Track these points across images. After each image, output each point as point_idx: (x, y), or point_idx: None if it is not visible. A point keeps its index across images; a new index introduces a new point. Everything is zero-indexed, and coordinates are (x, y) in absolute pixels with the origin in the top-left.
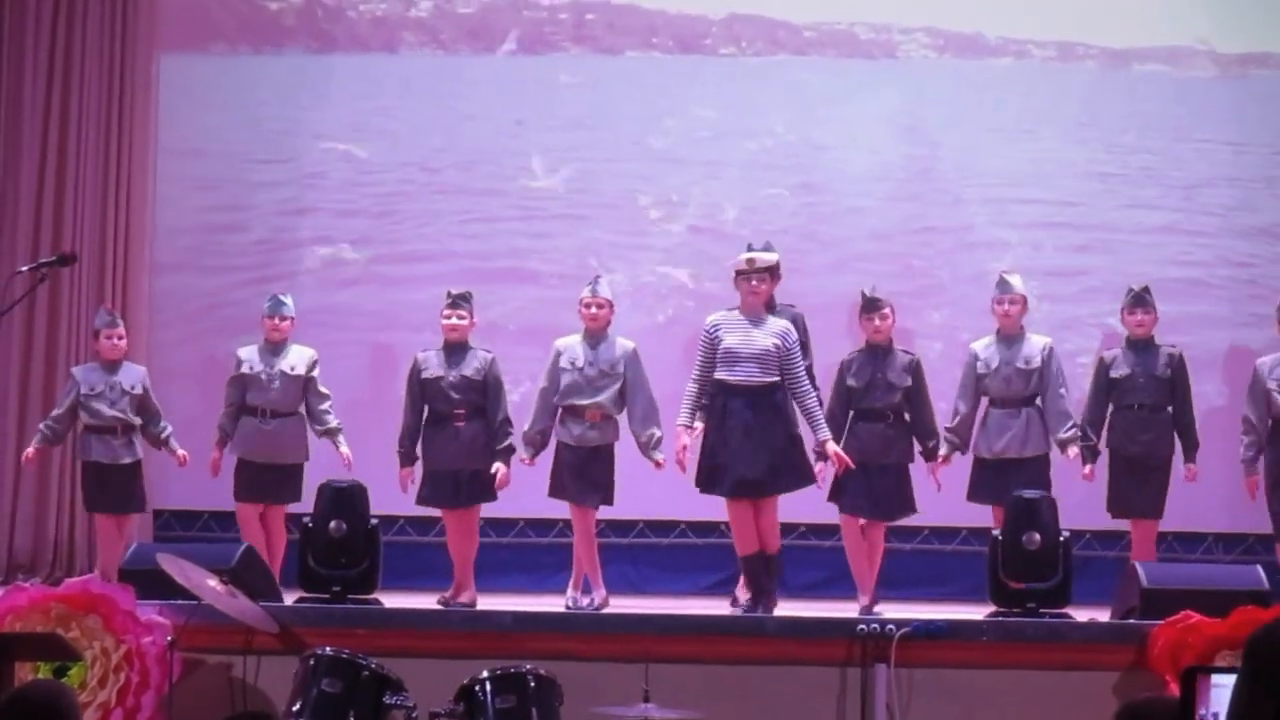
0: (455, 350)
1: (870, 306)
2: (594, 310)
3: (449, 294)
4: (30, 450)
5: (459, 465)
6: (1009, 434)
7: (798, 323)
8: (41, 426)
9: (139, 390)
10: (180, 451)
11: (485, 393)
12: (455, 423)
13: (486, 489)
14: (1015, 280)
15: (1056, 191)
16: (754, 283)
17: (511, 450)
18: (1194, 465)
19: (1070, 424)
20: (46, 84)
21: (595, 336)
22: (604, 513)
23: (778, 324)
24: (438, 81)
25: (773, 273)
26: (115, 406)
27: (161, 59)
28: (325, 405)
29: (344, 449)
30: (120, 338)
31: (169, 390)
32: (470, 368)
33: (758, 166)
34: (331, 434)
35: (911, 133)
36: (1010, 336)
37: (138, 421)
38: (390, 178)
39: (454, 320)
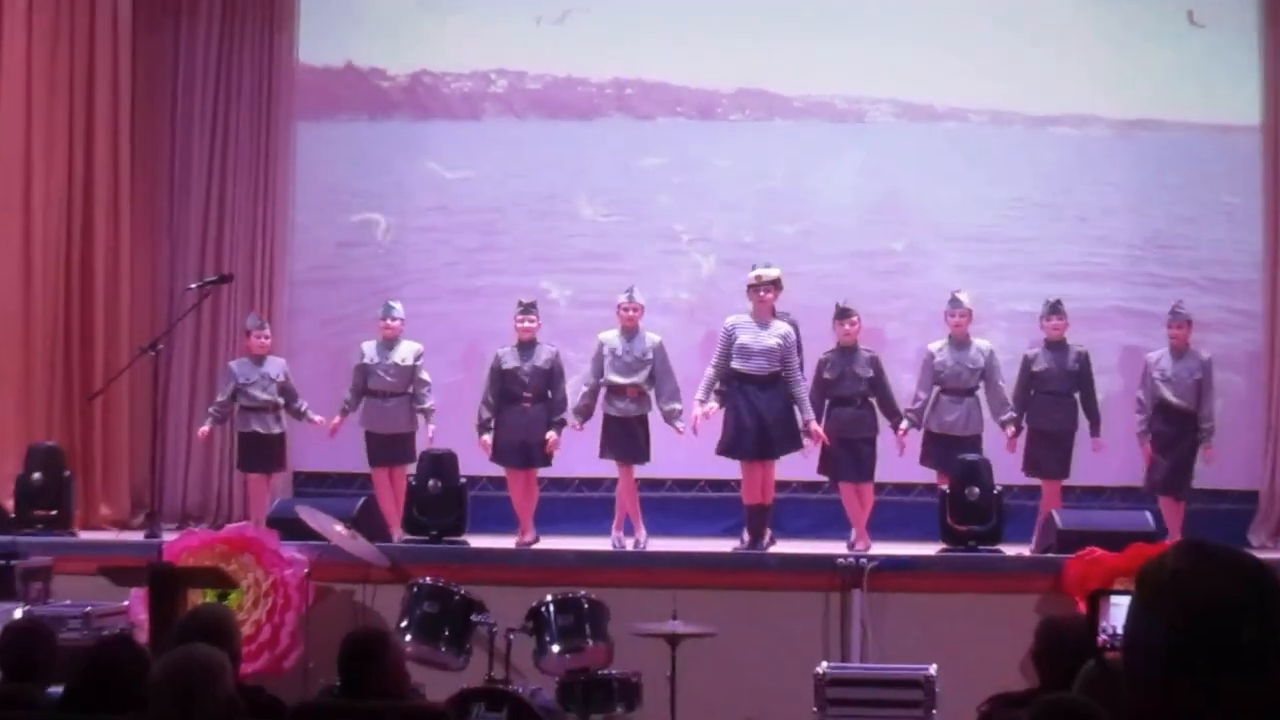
0: (527, 346)
1: (842, 315)
2: (630, 312)
3: (520, 303)
4: (205, 429)
5: (528, 436)
6: (955, 415)
7: (794, 328)
8: (210, 410)
9: (282, 378)
10: (317, 418)
11: (550, 378)
12: (524, 403)
13: (547, 455)
14: (964, 297)
15: (986, 220)
16: (762, 293)
17: (564, 423)
18: (1100, 439)
19: (1009, 410)
20: (210, 143)
21: (629, 332)
22: (640, 472)
23: (781, 327)
24: (513, 141)
25: (777, 284)
26: (266, 391)
27: (299, 124)
28: (424, 390)
29: (431, 427)
30: (267, 337)
31: (302, 379)
32: (541, 359)
33: (763, 204)
34: (426, 413)
35: (877, 179)
36: (960, 341)
37: (282, 401)
38: (480, 212)
39: (526, 324)
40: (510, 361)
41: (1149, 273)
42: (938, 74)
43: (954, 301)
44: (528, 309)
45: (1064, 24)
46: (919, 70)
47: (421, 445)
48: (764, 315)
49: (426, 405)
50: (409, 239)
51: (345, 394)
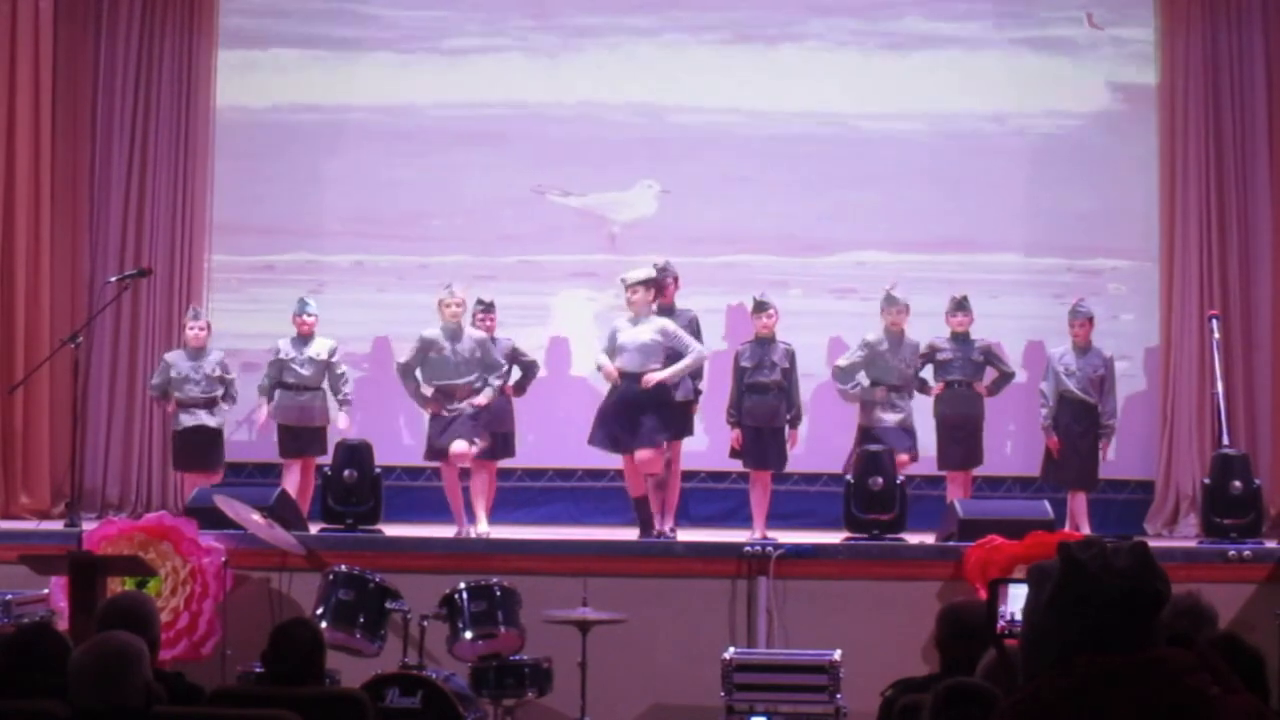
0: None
1: (759, 307)
2: (454, 309)
3: (480, 301)
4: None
5: (496, 427)
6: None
7: (693, 324)
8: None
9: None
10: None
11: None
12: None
13: (509, 447)
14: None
15: (885, 215)
16: (629, 295)
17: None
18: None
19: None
20: (130, 138)
21: (455, 331)
22: (551, 460)
23: (658, 322)
24: (434, 144)
25: (645, 286)
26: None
27: (218, 121)
28: (342, 382)
29: (343, 421)
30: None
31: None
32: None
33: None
34: (343, 404)
35: (789, 180)
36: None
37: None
38: (403, 208)
39: (488, 323)
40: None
41: (1049, 269)
42: (844, 80)
43: (957, 304)
44: (488, 308)
45: (964, 24)
46: (827, 76)
47: (337, 435)
48: (639, 313)
49: (345, 395)
50: (328, 233)
51: (261, 381)
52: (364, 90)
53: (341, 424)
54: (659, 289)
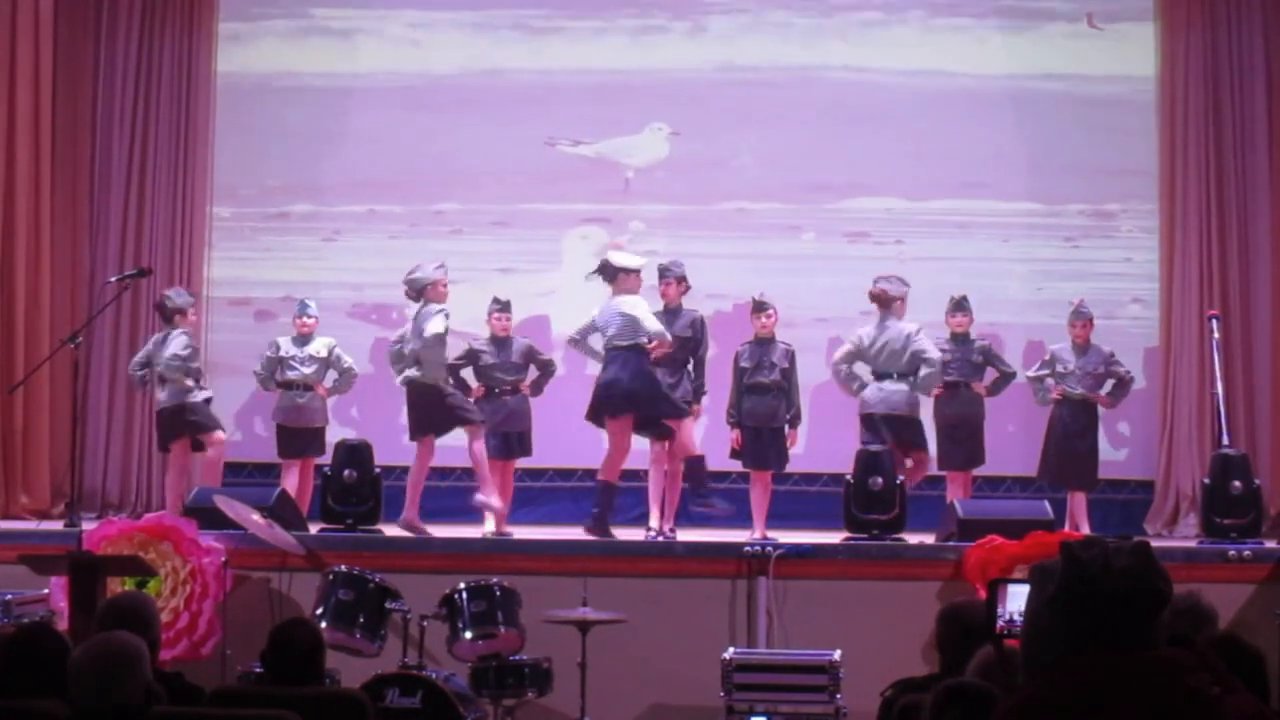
0: (503, 341)
1: (759, 308)
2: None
3: (496, 300)
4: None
5: (509, 427)
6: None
7: (696, 323)
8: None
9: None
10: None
11: (525, 370)
12: (504, 395)
13: (525, 446)
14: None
15: (890, 213)
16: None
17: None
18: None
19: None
20: (130, 137)
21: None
22: (554, 460)
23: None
24: (429, 135)
25: (600, 276)
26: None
27: (218, 120)
28: (349, 376)
29: (322, 389)
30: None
31: (219, 371)
32: (516, 353)
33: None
34: (334, 391)
35: (780, 139)
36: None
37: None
38: (402, 203)
39: (504, 321)
40: (488, 357)
41: (1056, 270)
42: (861, 33)
43: (957, 305)
44: (504, 306)
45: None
46: (843, 29)
47: (336, 435)
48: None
49: (346, 366)
50: (328, 232)
51: (257, 369)
52: (368, 56)
53: (320, 390)
54: (610, 277)
